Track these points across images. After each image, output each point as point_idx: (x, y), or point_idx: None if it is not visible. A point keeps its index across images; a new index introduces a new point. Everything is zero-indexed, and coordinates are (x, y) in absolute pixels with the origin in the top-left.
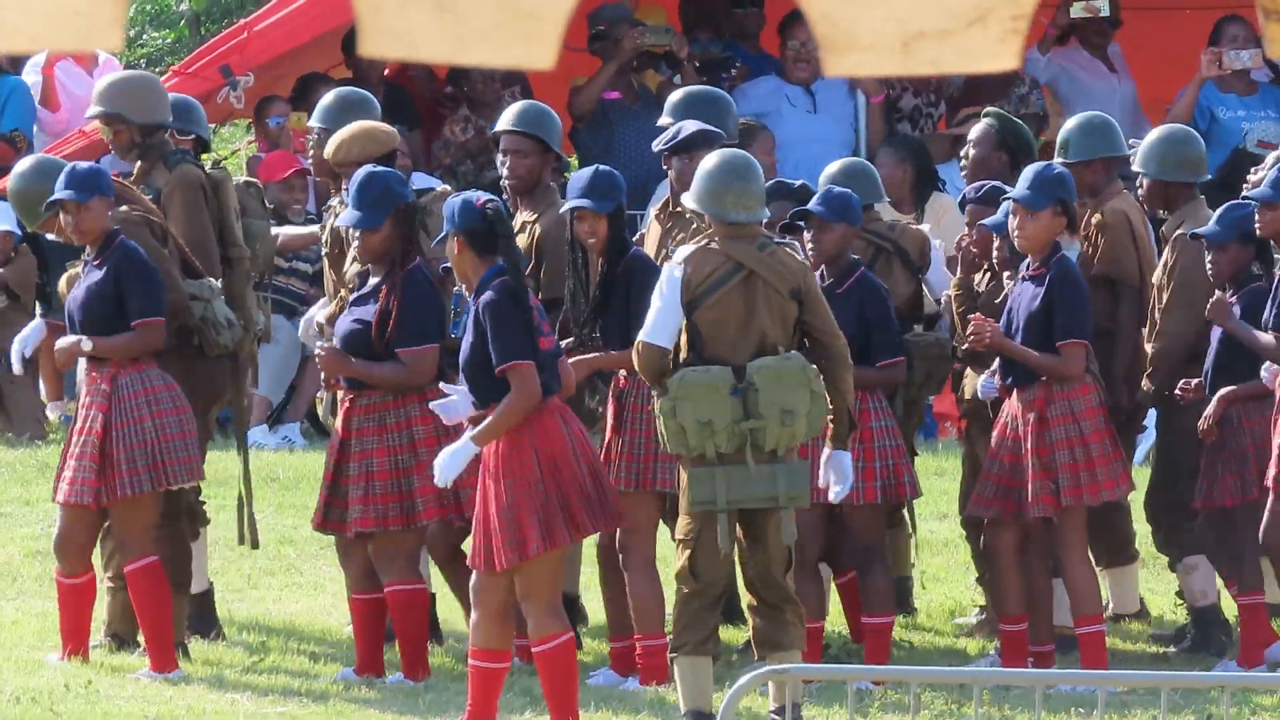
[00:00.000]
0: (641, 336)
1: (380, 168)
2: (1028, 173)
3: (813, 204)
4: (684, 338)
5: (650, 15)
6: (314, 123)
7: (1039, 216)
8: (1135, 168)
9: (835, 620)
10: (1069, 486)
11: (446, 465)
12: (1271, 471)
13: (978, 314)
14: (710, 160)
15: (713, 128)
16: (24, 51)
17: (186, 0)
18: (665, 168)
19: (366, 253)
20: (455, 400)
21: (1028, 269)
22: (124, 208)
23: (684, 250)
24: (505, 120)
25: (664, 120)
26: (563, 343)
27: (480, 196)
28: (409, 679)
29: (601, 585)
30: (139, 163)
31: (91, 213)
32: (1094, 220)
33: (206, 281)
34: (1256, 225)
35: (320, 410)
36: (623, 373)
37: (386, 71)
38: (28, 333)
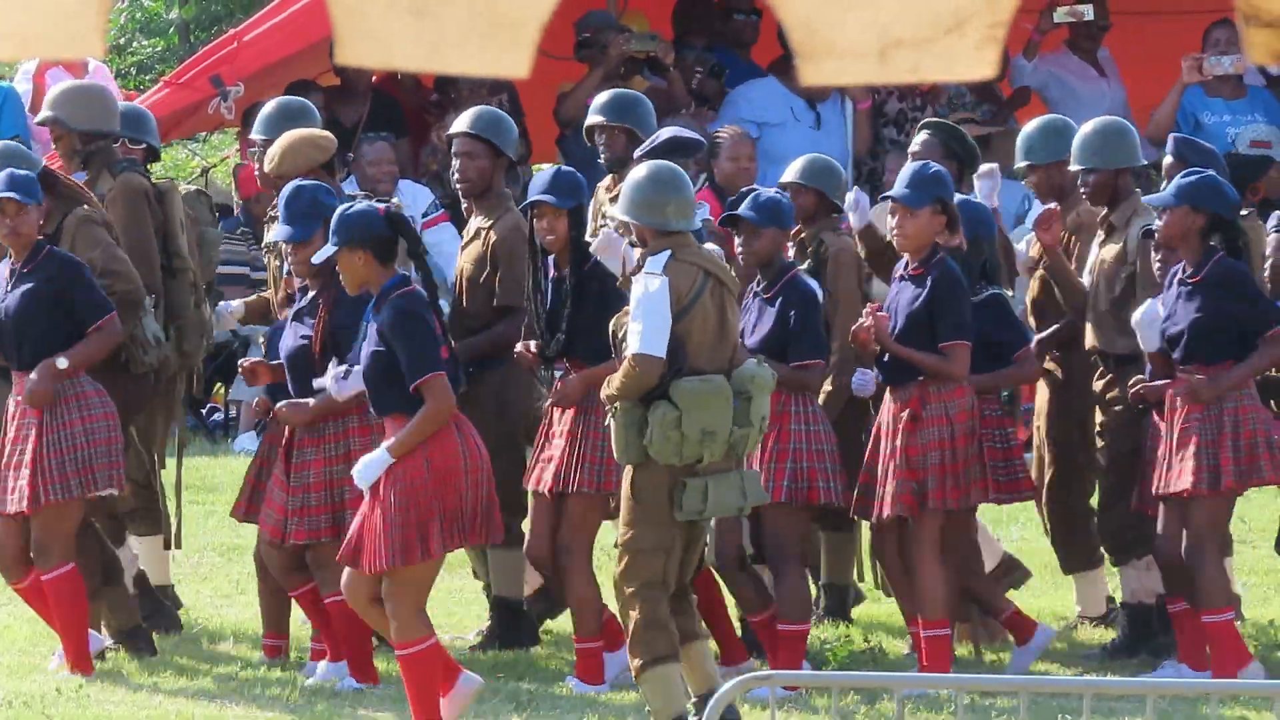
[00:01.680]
0: (639, 349)
1: (308, 181)
2: (905, 171)
3: (743, 209)
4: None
5: (634, 22)
6: (256, 134)
7: (918, 215)
8: (1077, 166)
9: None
10: (935, 489)
11: (363, 472)
12: (1170, 481)
13: (875, 303)
14: (640, 172)
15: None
16: (6, 59)
17: (176, 8)
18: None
19: (300, 265)
20: (355, 373)
21: (907, 269)
22: (84, 208)
23: (657, 261)
24: (459, 124)
25: (593, 120)
26: (518, 346)
27: (380, 204)
28: (359, 682)
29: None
30: (86, 171)
31: (31, 217)
32: (1068, 222)
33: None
34: (1156, 229)
35: None
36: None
37: (374, 78)
38: None
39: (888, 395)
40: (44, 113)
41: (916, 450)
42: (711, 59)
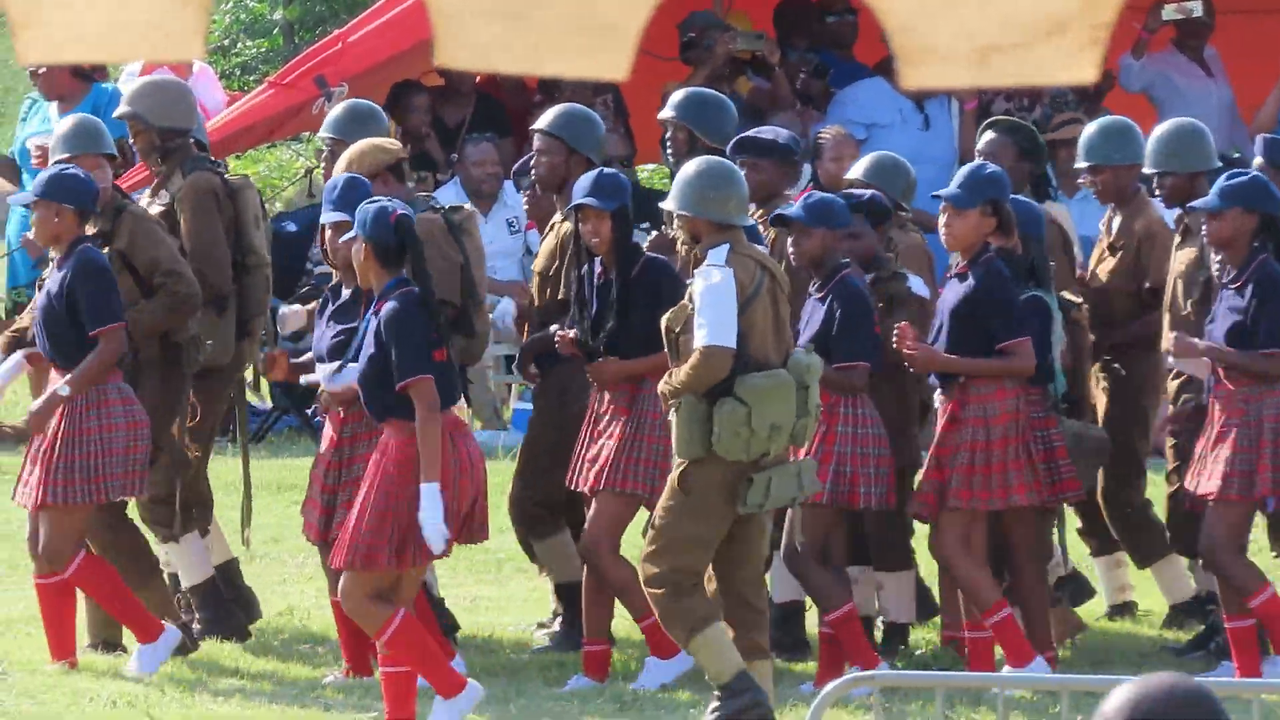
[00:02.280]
0: (711, 341)
1: (360, 176)
2: (960, 172)
3: (793, 208)
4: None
5: (739, 22)
6: (324, 134)
7: (967, 215)
8: (1152, 169)
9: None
10: (959, 488)
11: (429, 520)
12: (1200, 481)
13: (905, 324)
14: (696, 167)
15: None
16: (103, 62)
17: (280, 9)
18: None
19: (335, 254)
20: (348, 370)
21: (955, 268)
22: (135, 205)
23: (719, 253)
24: (539, 122)
25: (664, 114)
26: (553, 329)
27: (395, 208)
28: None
29: (586, 590)
30: (161, 168)
31: (58, 217)
32: (1137, 229)
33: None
34: (1204, 235)
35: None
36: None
37: (478, 79)
38: (4, 369)
39: (938, 395)
40: (123, 108)
41: (948, 450)
42: (815, 59)
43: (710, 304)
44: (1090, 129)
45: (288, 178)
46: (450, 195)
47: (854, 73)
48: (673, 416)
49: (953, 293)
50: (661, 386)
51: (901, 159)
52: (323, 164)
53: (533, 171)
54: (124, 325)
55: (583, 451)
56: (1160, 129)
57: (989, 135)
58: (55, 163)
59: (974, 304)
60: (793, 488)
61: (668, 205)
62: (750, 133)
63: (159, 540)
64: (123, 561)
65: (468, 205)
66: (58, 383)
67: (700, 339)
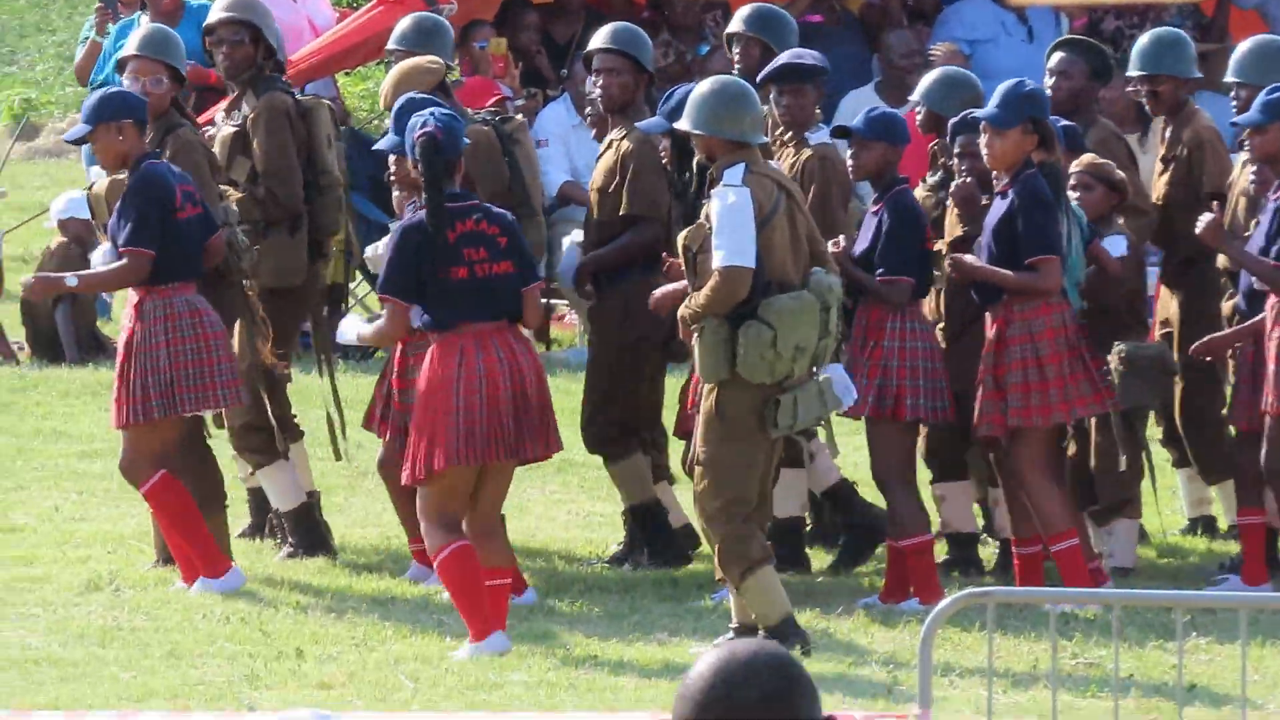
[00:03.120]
0: (731, 261)
1: (421, 95)
2: (998, 91)
3: (855, 122)
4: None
5: None
6: (391, 46)
7: (1007, 135)
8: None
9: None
10: (1018, 408)
11: (341, 330)
12: (1269, 398)
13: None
14: (710, 86)
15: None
16: None
17: None
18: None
19: (400, 178)
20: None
21: (997, 186)
22: (183, 129)
23: (734, 173)
24: (598, 39)
25: (733, 28)
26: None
27: (421, 127)
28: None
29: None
30: (236, 88)
31: (126, 134)
32: (1185, 138)
33: (226, 205)
34: (1246, 150)
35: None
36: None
37: None
38: (97, 254)
39: (988, 314)
40: (230, 14)
41: (1002, 370)
42: None
43: (728, 224)
44: (1144, 40)
45: None
46: (560, 112)
47: None
48: (695, 340)
49: (994, 211)
50: (682, 310)
51: (963, 77)
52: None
53: (599, 92)
54: (151, 255)
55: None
56: (1245, 43)
57: (1059, 54)
58: (117, 67)
59: (1011, 221)
60: (817, 406)
61: (682, 125)
62: (784, 58)
63: (251, 468)
64: (190, 489)
65: (519, 116)
66: (131, 297)
67: (719, 260)
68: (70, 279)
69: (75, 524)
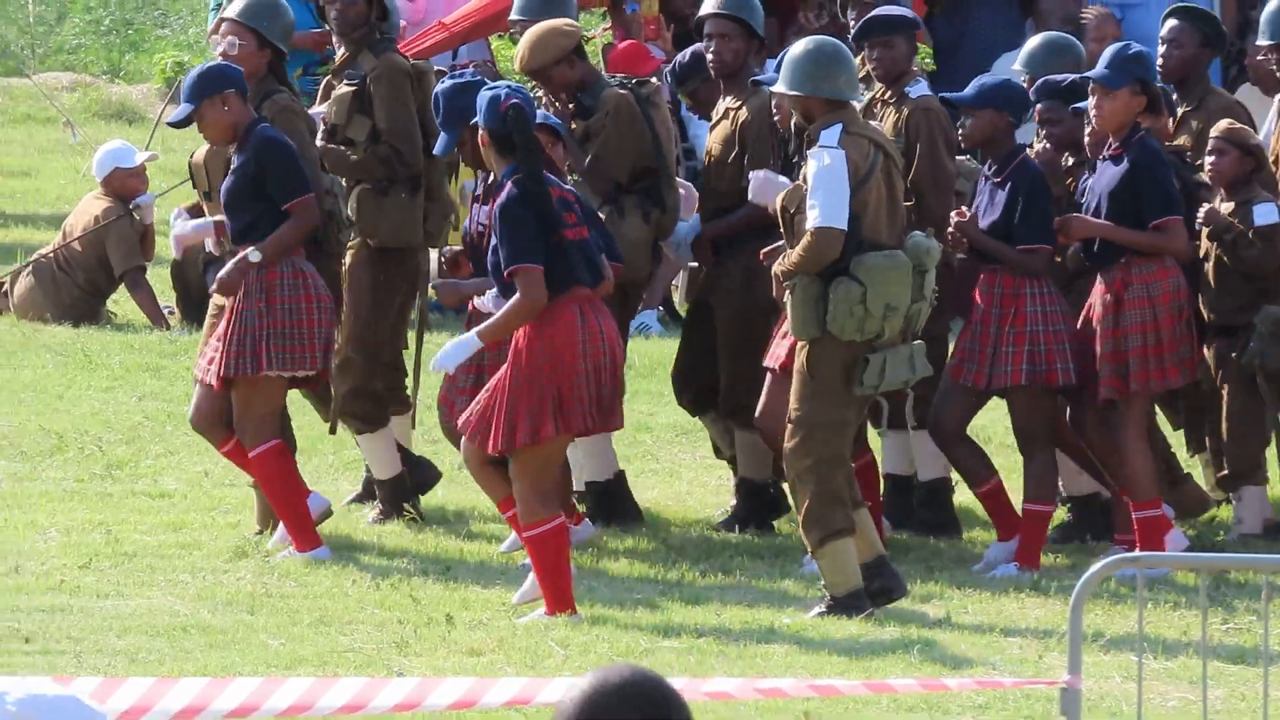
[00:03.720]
0: (823, 222)
1: (458, 82)
2: (1107, 52)
3: (965, 91)
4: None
5: None
6: (514, 16)
7: (1116, 96)
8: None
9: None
10: (1137, 371)
11: (448, 354)
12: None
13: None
14: (805, 46)
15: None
16: None
17: None
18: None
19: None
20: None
21: (1109, 149)
22: (281, 95)
23: (831, 134)
24: (709, 5)
25: None
26: None
27: (506, 97)
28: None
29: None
30: (348, 47)
31: (231, 105)
32: None
33: (332, 177)
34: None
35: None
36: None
37: None
38: (197, 223)
39: (1098, 278)
40: None
41: (1121, 333)
42: None
43: (822, 185)
44: (1273, 6)
45: None
46: None
47: None
48: (788, 298)
49: (1107, 174)
50: (776, 268)
51: (1065, 42)
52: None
53: (710, 57)
54: (314, 196)
55: (778, 329)
56: (1271, 4)
57: (1172, 22)
58: (212, 31)
59: (1129, 184)
60: (905, 370)
61: (778, 88)
62: (877, 12)
63: (353, 433)
64: None
65: (653, 80)
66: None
67: (812, 220)
68: (254, 253)
69: (225, 489)
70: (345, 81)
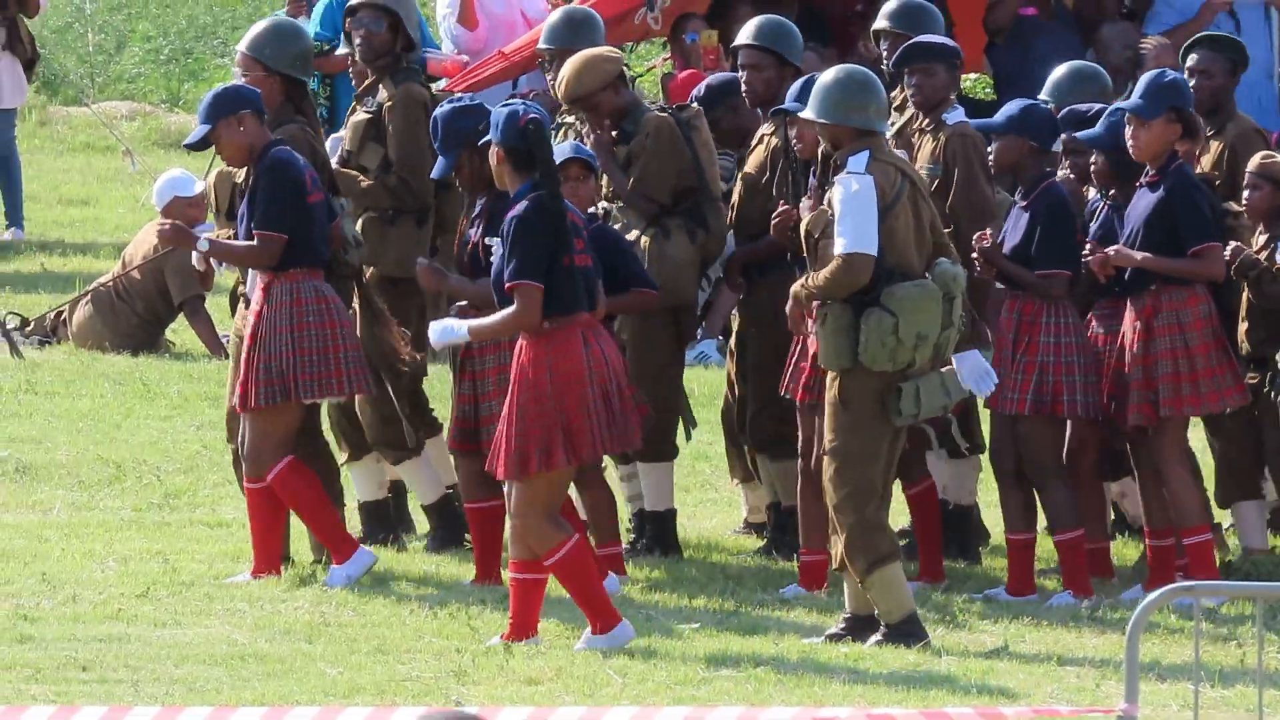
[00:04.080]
0: (853, 248)
1: (452, 106)
2: (1141, 81)
3: (995, 118)
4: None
5: None
6: (542, 45)
7: (1151, 126)
8: None
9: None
10: (1169, 397)
11: (435, 332)
12: None
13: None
14: (836, 74)
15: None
16: None
17: None
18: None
19: (472, 178)
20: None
21: (1145, 176)
22: (294, 126)
23: (859, 160)
24: (743, 35)
25: (879, 25)
26: None
27: (525, 113)
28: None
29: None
30: (372, 74)
31: (247, 125)
32: None
33: (340, 200)
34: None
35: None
36: None
37: None
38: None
39: (1129, 305)
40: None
41: (1152, 359)
42: None
43: (850, 211)
44: None
45: None
46: None
47: None
48: (817, 328)
49: (1144, 201)
50: (796, 287)
51: (1091, 71)
52: (549, 75)
53: (744, 88)
54: (284, 239)
55: (793, 359)
56: None
57: (1198, 53)
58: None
59: (1165, 212)
60: (940, 396)
61: (806, 114)
62: (917, 39)
63: (390, 464)
64: None
65: (694, 104)
66: (259, 282)
67: (840, 246)
68: (203, 242)
69: None
70: (363, 108)
